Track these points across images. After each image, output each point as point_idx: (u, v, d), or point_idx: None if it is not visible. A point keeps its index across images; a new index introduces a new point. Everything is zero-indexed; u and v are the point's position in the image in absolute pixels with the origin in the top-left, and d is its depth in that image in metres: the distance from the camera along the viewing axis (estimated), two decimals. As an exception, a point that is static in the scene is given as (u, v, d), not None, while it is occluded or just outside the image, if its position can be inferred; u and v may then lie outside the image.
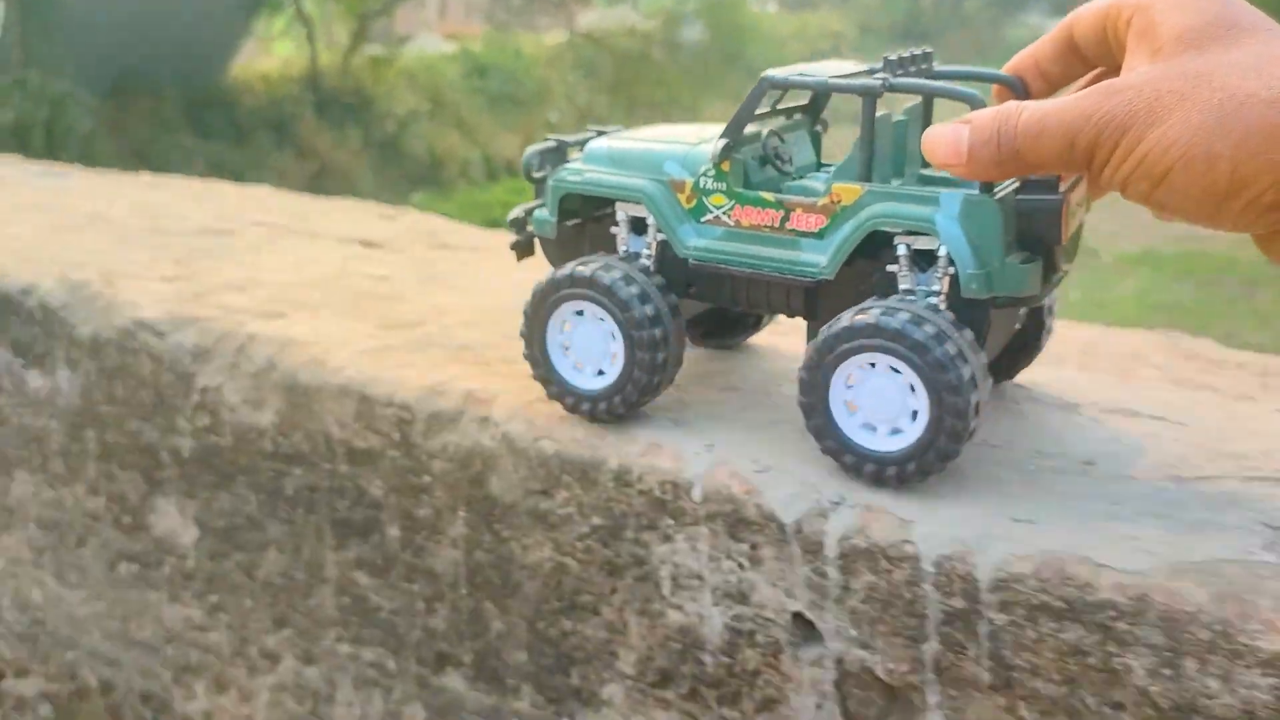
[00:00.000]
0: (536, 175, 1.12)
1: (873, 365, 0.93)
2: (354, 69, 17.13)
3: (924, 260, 0.96)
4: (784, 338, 1.26)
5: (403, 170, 15.66)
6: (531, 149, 1.11)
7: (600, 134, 1.13)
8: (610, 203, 1.08)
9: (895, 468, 0.94)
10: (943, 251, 0.93)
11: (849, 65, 1.01)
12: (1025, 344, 1.12)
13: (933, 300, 0.94)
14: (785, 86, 1.00)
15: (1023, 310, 1.06)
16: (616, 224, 1.06)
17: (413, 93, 17.58)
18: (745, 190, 1.01)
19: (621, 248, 1.06)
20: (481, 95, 18.64)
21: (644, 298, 1.01)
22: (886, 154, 0.97)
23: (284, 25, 17.16)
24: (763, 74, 0.99)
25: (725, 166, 1.00)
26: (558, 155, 1.13)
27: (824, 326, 0.95)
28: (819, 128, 1.13)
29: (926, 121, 1.03)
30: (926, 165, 1.02)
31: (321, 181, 14.37)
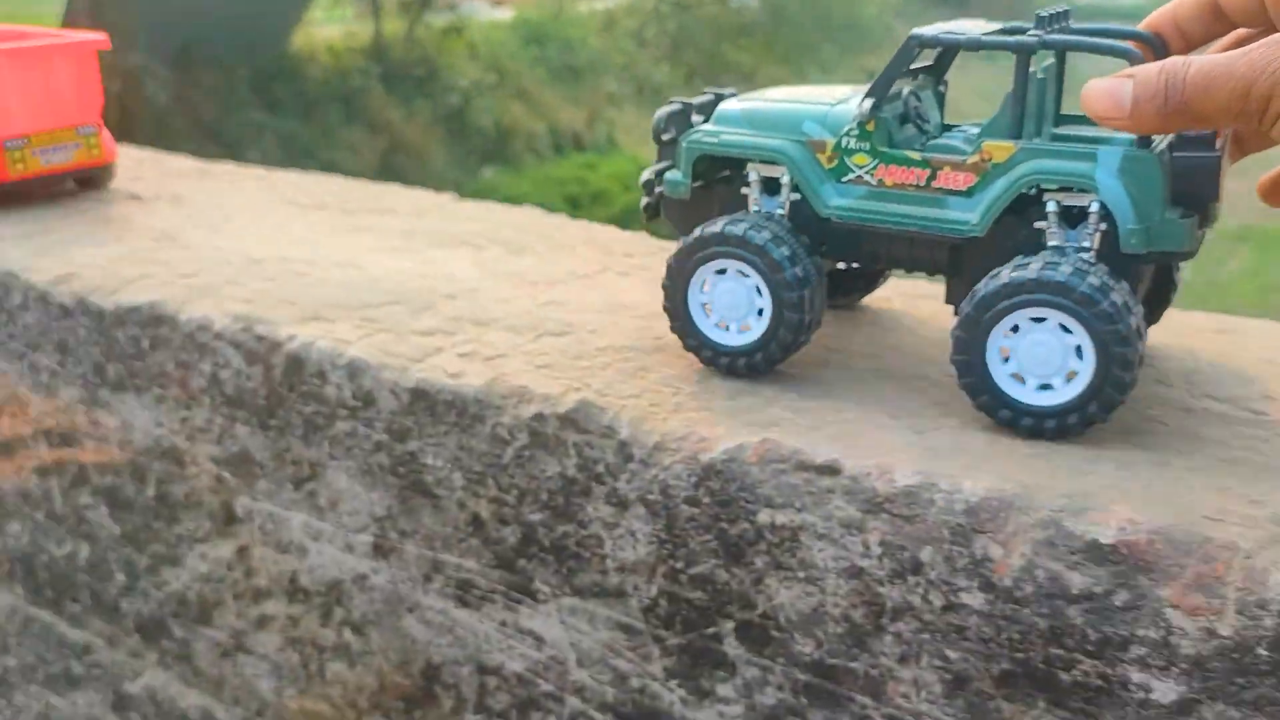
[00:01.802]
0: (665, 138, 1.13)
1: (1036, 320, 0.93)
2: (420, 39, 17.21)
3: (1071, 217, 0.96)
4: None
5: (470, 145, 15.71)
6: (661, 111, 1.13)
7: (719, 96, 1.15)
8: (734, 165, 1.10)
9: (1054, 420, 0.94)
10: (1094, 208, 0.93)
11: (985, 24, 1.03)
12: (1153, 303, 1.12)
13: (1085, 256, 0.94)
14: (935, 45, 1.01)
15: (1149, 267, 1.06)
16: (748, 185, 1.07)
17: (474, 63, 17.63)
18: (890, 149, 1.01)
19: (753, 208, 1.07)
20: (542, 65, 18.66)
21: (794, 259, 1.02)
22: (1032, 112, 0.97)
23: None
24: (911, 31, 1.00)
25: (870, 126, 1.01)
26: (683, 118, 1.14)
27: (980, 283, 0.95)
28: (942, 88, 1.14)
29: (1059, 81, 1.03)
30: (1059, 124, 1.04)
31: (394, 159, 14.49)
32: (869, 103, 1.00)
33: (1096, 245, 0.94)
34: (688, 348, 1.08)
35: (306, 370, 1.19)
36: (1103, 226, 0.94)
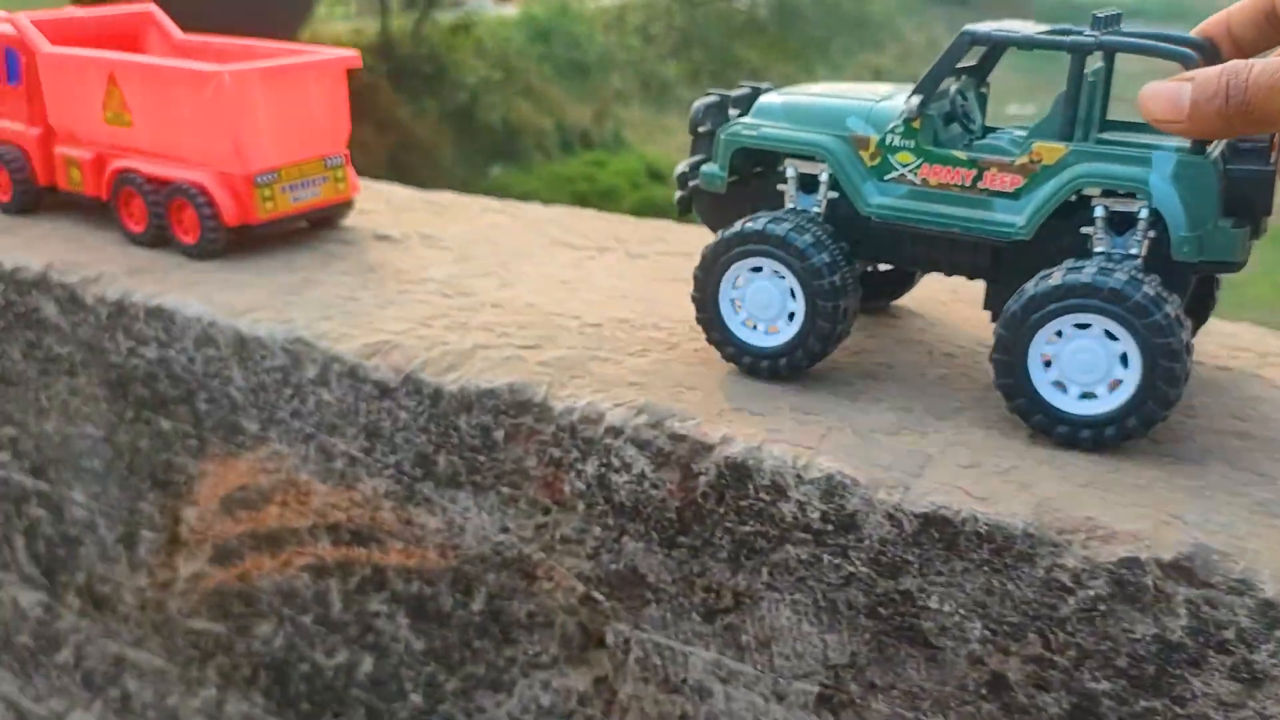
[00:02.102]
0: (702, 130, 1.09)
1: (1082, 327, 0.90)
2: (427, 37, 16.95)
3: (1119, 223, 0.93)
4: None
5: (478, 143, 15.47)
6: (699, 102, 1.10)
7: (756, 90, 1.11)
8: (770, 160, 1.07)
9: (1090, 430, 0.91)
10: (1143, 214, 0.91)
11: (1035, 25, 1.00)
12: (1194, 313, 1.06)
13: (1135, 264, 0.91)
14: (988, 42, 0.98)
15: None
16: (785, 181, 1.04)
17: (482, 61, 17.38)
18: (935, 148, 0.98)
19: (789, 205, 1.04)
20: (548, 62, 18.42)
21: (834, 266, 0.99)
22: (1083, 115, 0.94)
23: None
24: (963, 28, 0.98)
25: (916, 124, 0.98)
26: (720, 110, 1.10)
27: (1030, 283, 0.92)
28: (984, 89, 1.10)
29: (1107, 85, 0.99)
30: (1105, 128, 1.01)
31: (402, 156, 14.22)
32: (917, 99, 0.98)
33: (1145, 253, 0.92)
34: (711, 341, 1.06)
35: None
36: (1151, 234, 0.91)
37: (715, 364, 1.10)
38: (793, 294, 1.01)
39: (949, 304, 1.26)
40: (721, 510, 0.98)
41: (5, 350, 1.50)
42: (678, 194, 1.13)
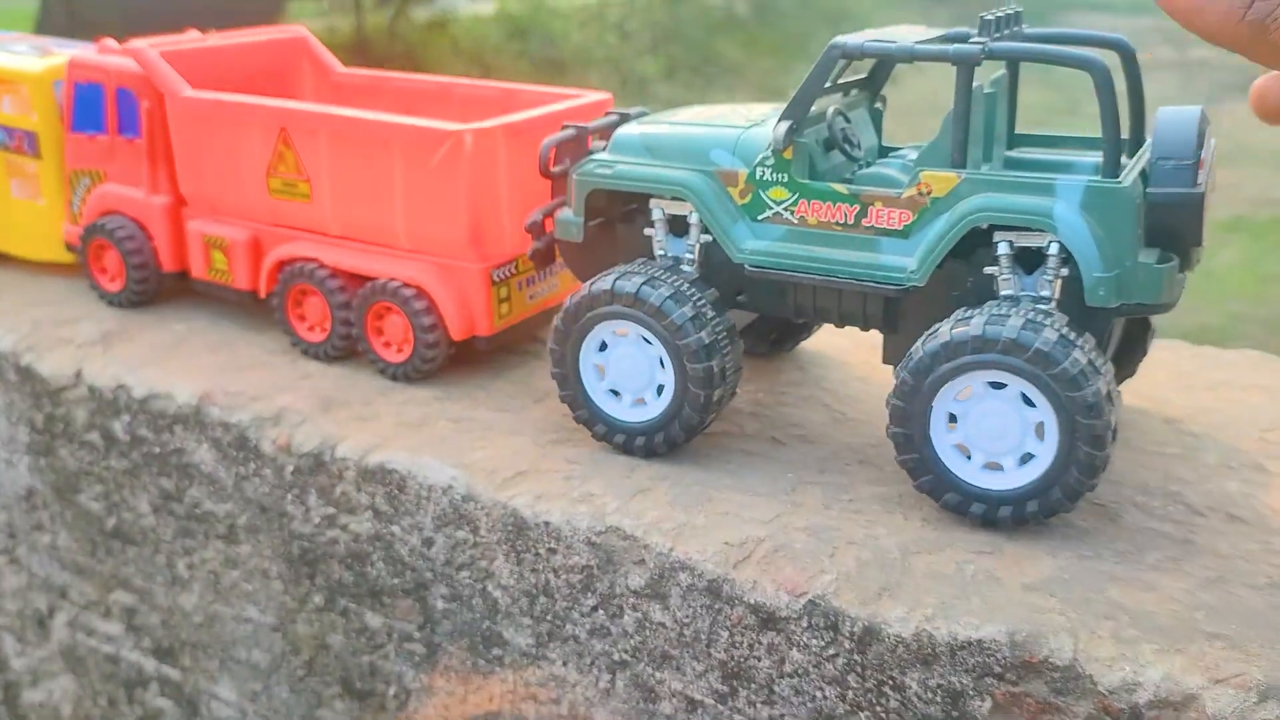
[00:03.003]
0: (555, 170, 0.94)
1: (996, 386, 0.77)
2: (402, 34, 16.48)
3: (1028, 259, 0.80)
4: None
5: (459, 141, 15.09)
6: (549, 139, 0.94)
7: (624, 116, 0.98)
8: (643, 199, 0.91)
9: (1010, 507, 0.78)
10: (1053, 249, 0.78)
11: (922, 30, 0.86)
12: (1126, 351, 0.93)
13: (1042, 306, 0.78)
14: (861, 55, 0.84)
15: None
16: (652, 224, 0.89)
17: (458, 58, 16.93)
18: (812, 181, 0.85)
19: (658, 252, 0.90)
20: (525, 59, 18.00)
21: (699, 320, 0.85)
22: (978, 134, 0.82)
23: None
24: (832, 41, 0.85)
25: (788, 153, 0.84)
26: (578, 145, 0.95)
27: (918, 342, 0.79)
28: (879, 105, 0.98)
29: (1012, 96, 0.89)
30: (1014, 146, 0.90)
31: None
32: (784, 126, 0.84)
33: (1057, 294, 0.79)
34: (578, 420, 0.92)
35: None
36: (1064, 271, 0.79)
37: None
38: (661, 363, 0.87)
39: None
40: None
41: (126, 499, 1.11)
42: (532, 246, 0.96)
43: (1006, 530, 0.80)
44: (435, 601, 0.94)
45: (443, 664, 0.96)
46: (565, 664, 0.89)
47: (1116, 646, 0.70)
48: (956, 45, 0.80)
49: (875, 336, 0.92)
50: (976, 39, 0.81)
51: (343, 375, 1.07)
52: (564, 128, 0.96)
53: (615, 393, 0.91)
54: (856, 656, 0.76)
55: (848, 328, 0.91)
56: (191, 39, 1.22)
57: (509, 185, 1.01)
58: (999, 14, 0.84)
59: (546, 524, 0.86)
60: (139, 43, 1.16)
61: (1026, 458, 0.78)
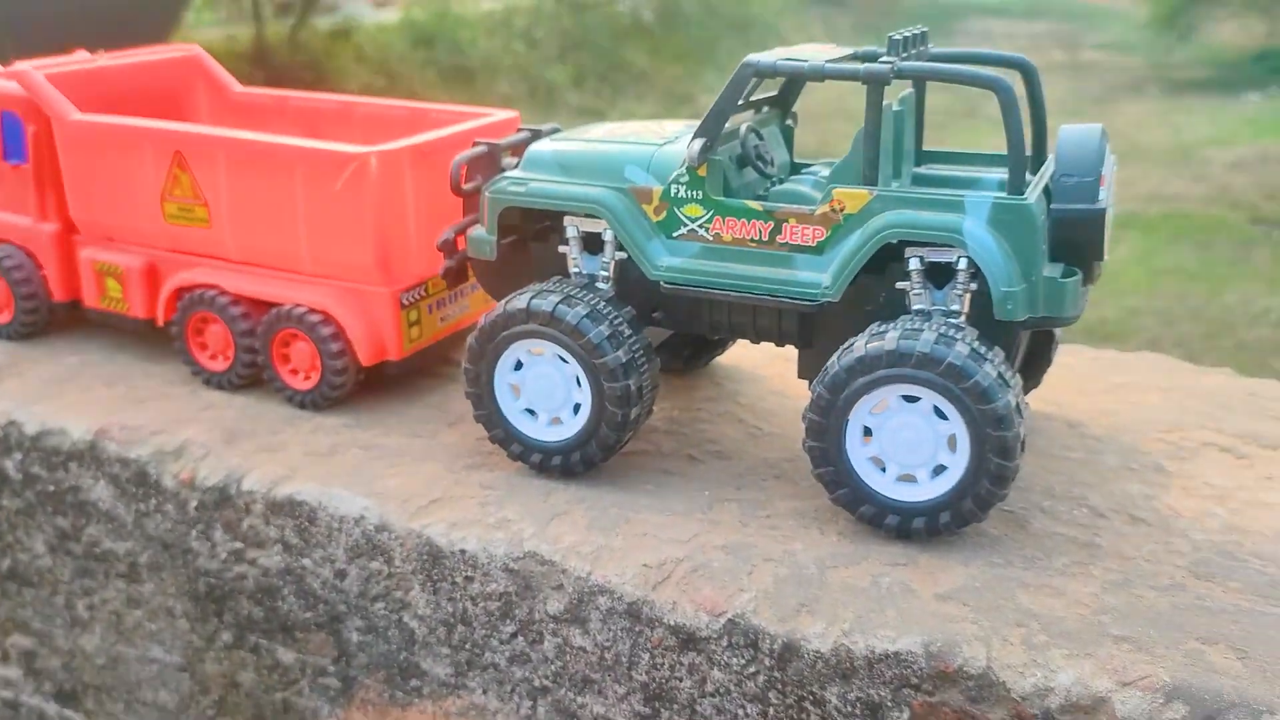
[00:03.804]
0: (467, 188, 0.95)
1: (909, 400, 0.79)
2: (304, 43, 16.21)
3: (938, 274, 0.82)
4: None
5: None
6: (460, 156, 0.94)
7: (535, 133, 0.99)
8: (556, 216, 0.91)
9: (924, 518, 0.80)
10: (962, 264, 0.80)
11: (832, 49, 0.89)
12: (1032, 362, 0.97)
13: (953, 320, 0.81)
14: (774, 74, 0.86)
15: None
16: (566, 242, 0.90)
17: (363, 66, 16.71)
18: (727, 199, 0.86)
19: (573, 270, 0.90)
20: (432, 67, 17.84)
21: (615, 339, 0.86)
22: (888, 151, 0.83)
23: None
24: (744, 59, 0.86)
25: (702, 171, 0.85)
26: (490, 162, 0.95)
27: (833, 357, 0.81)
28: (790, 122, 1.00)
29: (920, 114, 0.91)
30: (921, 162, 0.93)
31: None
32: (699, 143, 0.85)
33: (967, 308, 0.81)
34: (493, 440, 0.92)
35: None
36: (973, 286, 0.81)
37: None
38: (578, 381, 0.88)
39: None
40: None
41: (21, 540, 1.07)
42: (443, 264, 0.97)
43: (920, 541, 0.81)
44: (350, 635, 0.92)
45: (359, 697, 0.94)
46: (485, 692, 0.88)
47: (1027, 653, 0.71)
48: (867, 65, 0.81)
49: (790, 350, 0.93)
50: (886, 58, 0.82)
51: (247, 405, 1.04)
52: (475, 144, 0.95)
53: (531, 412, 0.90)
54: (777, 673, 0.76)
55: (763, 343, 0.92)
56: (80, 60, 1.18)
57: (416, 206, 0.99)
58: (906, 34, 0.85)
59: (462, 552, 0.85)
60: (23, 65, 1.11)
61: (939, 469, 0.79)
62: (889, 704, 0.73)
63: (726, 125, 0.87)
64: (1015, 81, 0.83)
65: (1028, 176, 0.84)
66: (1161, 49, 13.93)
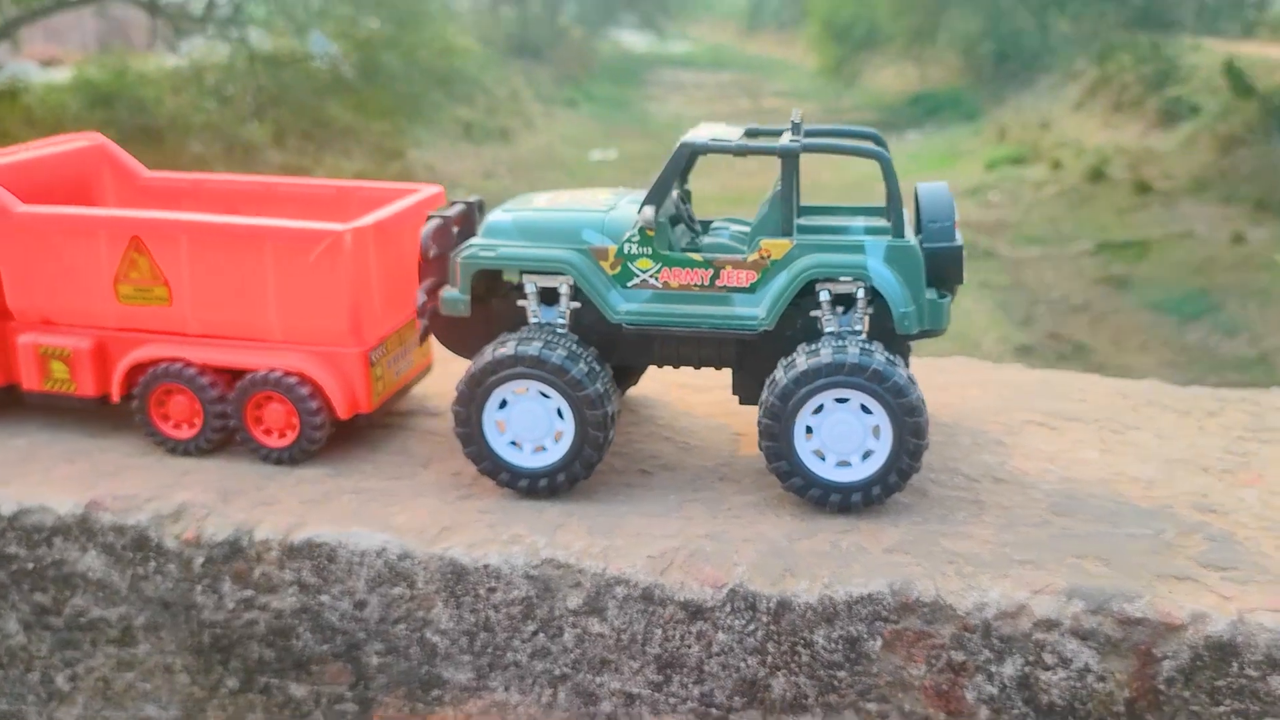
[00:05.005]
0: (433, 255, 1.09)
1: (840, 401, 1.00)
2: (-39, 107, 14.88)
3: (840, 303, 1.04)
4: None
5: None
6: (425, 230, 1.09)
7: (467, 204, 1.14)
8: (496, 277, 1.09)
9: (861, 493, 1.01)
10: (860, 294, 1.02)
11: (732, 128, 1.10)
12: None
13: (861, 339, 1.02)
14: (707, 151, 1.05)
15: None
16: (523, 297, 1.07)
17: (34, 129, 15.52)
18: (672, 252, 1.05)
19: (532, 320, 1.07)
20: (113, 128, 16.79)
21: (593, 374, 1.03)
22: (792, 210, 1.05)
23: None
24: (682, 140, 1.05)
25: (650, 231, 1.04)
26: (445, 234, 1.10)
27: (778, 372, 1.01)
28: (688, 188, 1.19)
29: (790, 182, 1.06)
30: (802, 215, 1.11)
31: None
32: (650, 209, 1.03)
33: (867, 328, 1.04)
34: (482, 471, 1.06)
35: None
36: (870, 310, 1.04)
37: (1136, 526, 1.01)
38: (559, 413, 1.03)
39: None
40: (1188, 694, 0.90)
41: (-10, 622, 1.09)
42: (422, 325, 1.11)
43: (858, 512, 1.02)
44: (369, 659, 1.03)
45: (378, 716, 1.04)
46: (507, 689, 1.01)
47: (961, 581, 0.94)
48: (783, 142, 1.03)
49: (685, 378, 1.10)
50: (793, 137, 1.05)
51: (224, 466, 1.12)
52: (429, 218, 1.09)
53: (515, 444, 1.05)
54: (773, 627, 0.94)
55: (677, 368, 1.10)
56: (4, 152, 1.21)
57: (378, 274, 1.11)
58: (796, 120, 1.08)
59: (486, 566, 0.98)
60: (-50, 160, 1.14)
61: (868, 454, 1.01)
62: (865, 635, 0.94)
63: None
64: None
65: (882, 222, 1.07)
66: (832, 94, 15.27)
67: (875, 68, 15.19)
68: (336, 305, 1.08)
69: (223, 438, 1.13)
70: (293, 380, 1.09)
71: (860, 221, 1.09)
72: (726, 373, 1.11)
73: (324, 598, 1.02)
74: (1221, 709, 0.90)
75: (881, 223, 1.10)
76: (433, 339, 1.17)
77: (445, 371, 1.33)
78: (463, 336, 1.11)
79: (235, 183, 1.27)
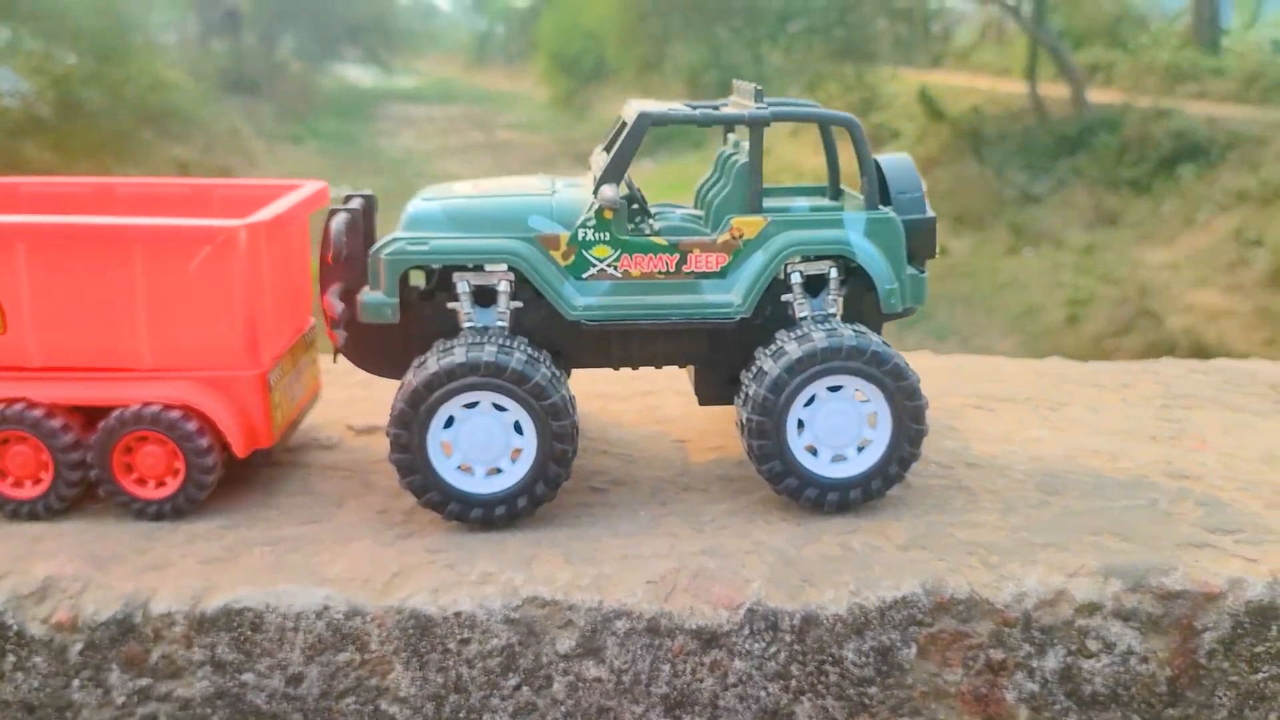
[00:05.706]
0: (345, 256, 0.93)
1: (833, 390, 0.91)
2: None
3: (811, 286, 0.95)
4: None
5: None
6: (336, 225, 0.93)
7: (365, 198, 0.97)
8: (433, 276, 0.95)
9: (860, 489, 0.92)
10: (833, 274, 0.94)
11: (694, 103, 1.00)
12: None
13: (836, 321, 0.94)
14: (665, 123, 0.93)
15: None
16: (457, 297, 0.91)
17: None
18: (633, 237, 0.92)
19: (465, 324, 0.91)
20: None
21: (555, 381, 0.89)
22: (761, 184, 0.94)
23: None
24: (640, 111, 0.93)
25: (608, 214, 0.91)
26: (355, 231, 0.94)
27: (771, 363, 0.90)
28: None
29: (758, 154, 0.94)
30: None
31: None
32: (611, 188, 0.90)
33: (840, 310, 0.95)
34: (426, 504, 0.89)
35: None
36: (843, 292, 0.96)
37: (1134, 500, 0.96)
38: (518, 427, 0.89)
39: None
40: (1228, 665, 0.86)
41: None
42: (342, 336, 0.94)
43: (856, 510, 0.93)
44: (305, 744, 0.84)
45: (315, 815, 0.85)
46: (483, 757, 0.85)
47: (990, 572, 0.86)
48: (751, 110, 0.92)
49: (600, 389, 1.01)
50: (760, 105, 0.94)
51: (83, 529, 0.89)
52: (335, 212, 0.92)
53: (463, 469, 0.89)
54: (797, 646, 0.83)
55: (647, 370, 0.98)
56: None
57: (271, 280, 0.93)
58: (757, 87, 0.96)
59: (458, 615, 0.82)
60: None
61: (863, 445, 0.92)
62: (899, 644, 0.84)
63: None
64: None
65: (825, 201, 0.98)
66: (564, 126, 15.37)
67: (605, 99, 15.43)
68: (228, 319, 0.89)
69: (79, 494, 0.91)
70: (174, 415, 0.89)
71: (803, 201, 1.01)
72: (644, 377, 0.98)
73: (247, 676, 0.82)
74: (1260, 675, 0.86)
75: (824, 202, 1.02)
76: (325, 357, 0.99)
77: (325, 396, 1.15)
78: (375, 349, 0.94)
79: (59, 184, 1.05)
